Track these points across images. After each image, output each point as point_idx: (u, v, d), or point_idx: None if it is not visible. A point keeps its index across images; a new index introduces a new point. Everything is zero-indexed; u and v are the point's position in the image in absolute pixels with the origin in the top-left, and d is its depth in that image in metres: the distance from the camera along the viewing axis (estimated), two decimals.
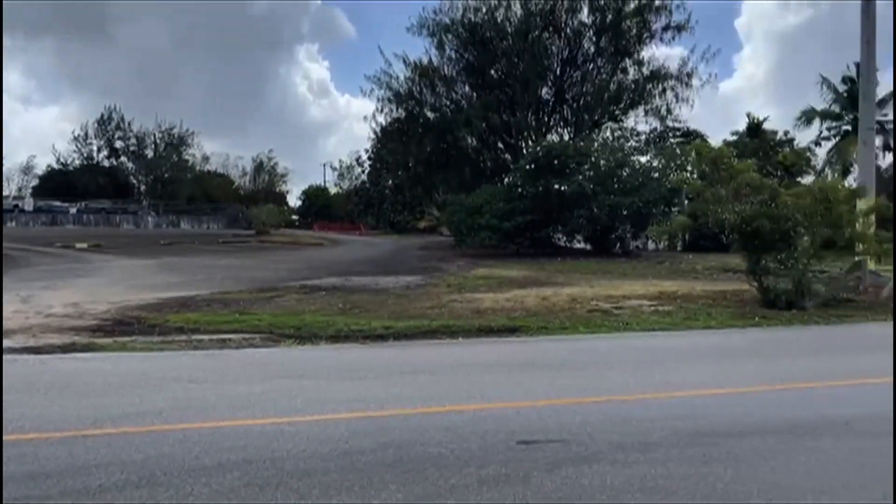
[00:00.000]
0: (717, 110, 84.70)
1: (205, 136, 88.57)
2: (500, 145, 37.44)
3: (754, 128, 40.96)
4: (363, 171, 62.45)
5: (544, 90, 36.14)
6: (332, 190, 76.38)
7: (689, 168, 24.61)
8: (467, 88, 36.48)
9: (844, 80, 39.97)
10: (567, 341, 10.89)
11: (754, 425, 5.91)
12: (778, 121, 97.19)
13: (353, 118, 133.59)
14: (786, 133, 43.22)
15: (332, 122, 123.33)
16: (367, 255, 30.83)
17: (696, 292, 16.49)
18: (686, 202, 22.79)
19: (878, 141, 35.24)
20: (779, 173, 35.07)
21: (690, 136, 37.06)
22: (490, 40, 33.77)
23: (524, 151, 34.01)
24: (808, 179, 36.23)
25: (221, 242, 39.94)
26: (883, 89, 38.73)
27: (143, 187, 67.41)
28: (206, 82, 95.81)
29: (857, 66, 22.77)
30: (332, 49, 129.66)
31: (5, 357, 8.28)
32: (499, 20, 33.94)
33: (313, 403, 6.56)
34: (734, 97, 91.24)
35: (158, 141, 66.79)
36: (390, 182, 45.40)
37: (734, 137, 41.05)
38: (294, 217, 71.16)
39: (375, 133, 38.17)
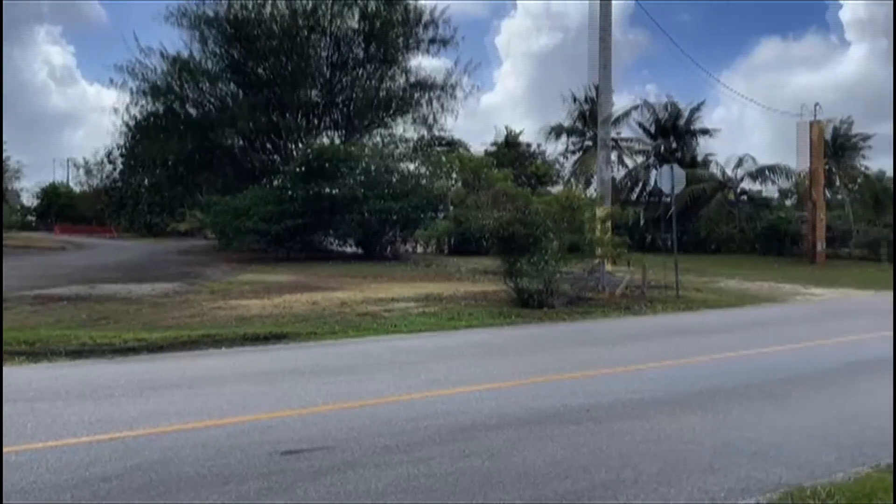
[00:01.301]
0: (479, 121, 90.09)
1: None
2: (268, 146, 36.35)
3: (510, 140, 44.14)
4: (115, 169, 57.01)
5: (314, 92, 35.78)
6: (77, 189, 69.04)
7: (453, 176, 25.83)
8: (233, 86, 34.94)
9: (586, 99, 44.63)
10: (336, 346, 10.82)
11: (509, 418, 6.28)
12: (534, 133, 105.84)
13: (105, 110, 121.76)
14: (538, 145, 47.24)
15: (78, 114, 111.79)
16: (119, 259, 28.18)
17: (459, 294, 17.32)
18: (451, 208, 23.88)
19: (613, 155, 39.72)
20: (532, 183, 38.07)
21: (454, 145, 38.97)
22: (257, 38, 32.66)
23: (294, 154, 33.40)
24: (556, 189, 39.80)
25: None
26: (617, 110, 43.91)
27: None
28: None
29: (597, 88, 25.50)
30: (78, 33, 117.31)
31: None
32: (265, 18, 32.97)
33: (47, 428, 5.81)
34: (495, 110, 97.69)
35: None
36: (146, 181, 41.76)
37: (493, 148, 43.90)
38: (30, 218, 63.23)
39: (129, 127, 34.95)
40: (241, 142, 35.23)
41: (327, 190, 27.37)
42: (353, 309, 14.43)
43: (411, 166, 32.89)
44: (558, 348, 10.86)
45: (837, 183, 47.03)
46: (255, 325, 12.34)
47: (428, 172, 30.56)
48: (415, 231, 26.94)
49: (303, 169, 27.89)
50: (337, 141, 35.36)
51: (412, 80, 36.54)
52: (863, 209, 46.59)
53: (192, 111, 34.11)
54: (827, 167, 41.93)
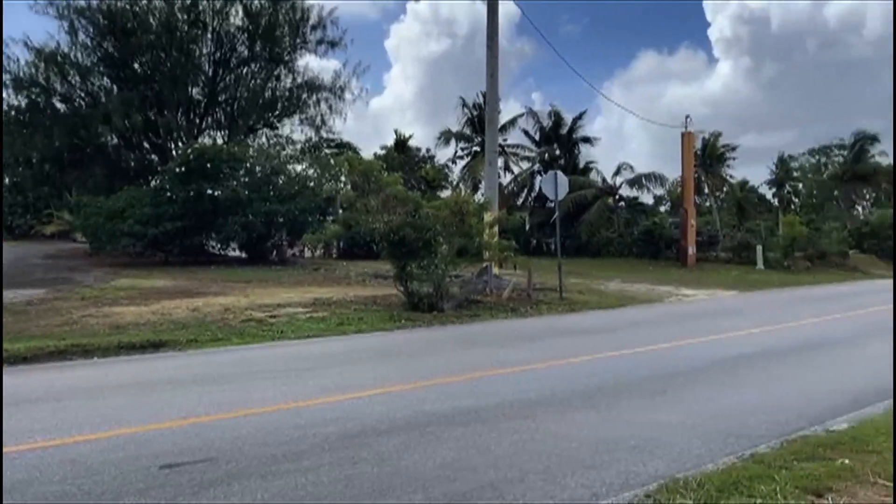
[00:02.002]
0: (369, 124, 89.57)
1: None
2: (145, 145, 34.55)
3: (401, 143, 44.23)
4: None
5: (195, 90, 34.38)
6: None
7: (342, 178, 25.57)
8: (107, 80, 32.97)
9: (475, 106, 45.41)
10: (219, 354, 10.42)
11: (399, 422, 6.25)
12: (423, 138, 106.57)
13: None
14: (428, 150, 47.61)
15: None
16: None
17: (349, 298, 17.13)
18: (340, 211, 23.58)
19: (500, 161, 40.65)
20: (422, 187, 38.34)
21: (344, 147, 38.60)
22: (133, 31, 30.96)
23: (174, 153, 31.91)
24: (446, 193, 40.25)
25: None
26: (504, 117, 44.97)
27: None
28: None
29: (484, 95, 25.95)
30: None
31: None
32: (140, 10, 31.33)
33: None
34: (385, 113, 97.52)
35: None
36: (7, 180, 38.58)
37: (383, 151, 43.85)
38: None
39: None
40: (115, 139, 33.29)
41: (209, 191, 26.26)
42: (237, 315, 13.96)
43: (299, 168, 32.26)
44: (448, 351, 10.95)
45: (706, 191, 50.29)
46: (130, 333, 11.70)
47: (316, 175, 30.05)
48: (302, 234, 26.39)
49: (183, 169, 26.67)
50: (220, 141, 34.15)
51: (300, 80, 35.88)
52: (728, 215, 50.07)
53: (61, 106, 31.89)
54: (697, 176, 44.72)
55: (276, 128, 37.18)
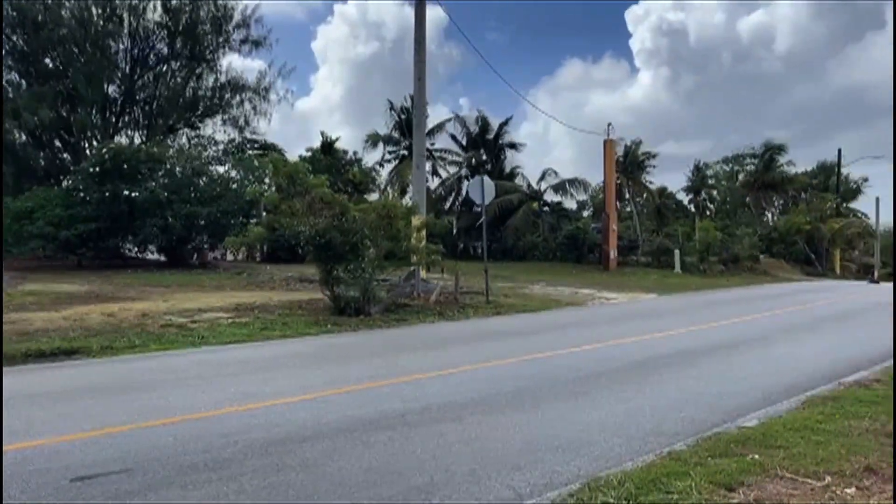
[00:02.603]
0: (295, 126, 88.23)
1: None
2: (57, 143, 33.02)
3: (327, 146, 43.64)
4: None
5: (112, 88, 33.12)
6: None
7: (266, 181, 25.05)
8: (16, 75, 31.39)
9: (403, 109, 45.35)
10: (137, 361, 10.03)
11: (325, 428, 6.18)
12: (352, 140, 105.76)
13: None
14: (355, 153, 47.15)
15: None
16: None
17: (273, 303, 16.81)
18: (264, 214, 23.10)
19: (428, 165, 40.70)
20: (349, 190, 37.92)
21: (268, 149, 37.88)
22: (43, 24, 29.55)
23: (88, 153, 30.61)
24: (373, 197, 39.99)
25: None
26: (432, 121, 45.12)
27: None
28: None
29: (413, 98, 25.92)
30: None
31: None
32: (52, 3, 29.96)
33: None
34: (312, 115, 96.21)
35: None
36: None
37: (309, 154, 43.16)
38: None
39: None
40: (24, 137, 31.68)
41: (126, 192, 25.30)
42: (156, 320, 13.49)
43: (221, 169, 31.46)
44: (374, 355, 10.88)
45: (627, 196, 51.83)
46: (39, 340, 11.14)
47: (239, 176, 29.37)
48: (224, 237, 25.76)
49: (97, 169, 25.59)
50: (138, 140, 32.99)
51: (223, 80, 35.11)
52: (648, 220, 51.72)
53: None
54: (619, 182, 46.03)
55: (198, 128, 36.27)
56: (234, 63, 40.70)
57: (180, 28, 32.48)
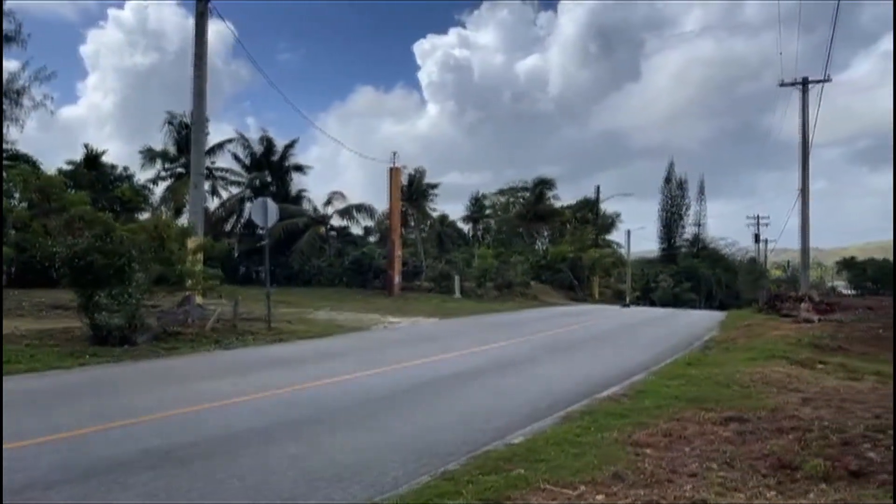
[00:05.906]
0: (57, 136, 79.90)
1: None
2: None
3: (92, 159, 39.82)
4: None
5: None
6: None
7: (15, 195, 22.31)
8: None
9: (183, 125, 42.76)
10: None
11: (75, 471, 5.53)
12: (125, 155, 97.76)
13: None
14: (125, 168, 43.47)
15: None
16: None
17: (19, 332, 14.87)
18: (12, 232, 20.49)
19: (207, 185, 38.75)
20: (117, 208, 34.83)
21: (19, 160, 33.75)
22: None
23: None
24: (145, 216, 37.08)
25: None
26: (216, 138, 43.17)
27: None
28: None
29: (193, 114, 24.55)
30: None
31: None
32: None
33: None
34: (78, 125, 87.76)
35: None
36: None
37: (71, 167, 39.12)
38: None
39: None
40: None
41: None
42: None
43: None
44: (137, 389, 9.99)
45: (412, 223, 53.34)
46: None
47: None
48: None
49: None
50: None
51: None
52: (431, 247, 53.59)
53: None
54: (404, 209, 47.22)
55: None
56: None
57: None
